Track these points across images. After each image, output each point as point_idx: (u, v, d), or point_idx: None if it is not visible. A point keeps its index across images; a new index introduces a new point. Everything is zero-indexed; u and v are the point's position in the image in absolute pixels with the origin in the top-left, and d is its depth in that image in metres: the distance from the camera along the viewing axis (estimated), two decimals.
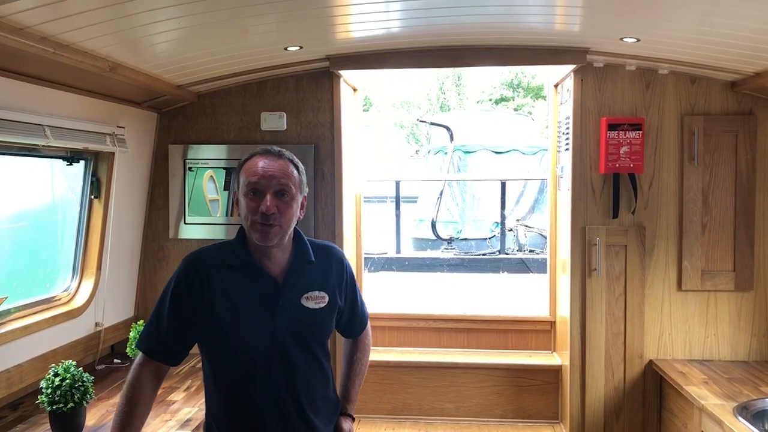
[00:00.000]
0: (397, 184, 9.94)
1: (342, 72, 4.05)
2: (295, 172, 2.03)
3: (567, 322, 4.10)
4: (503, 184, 9.55)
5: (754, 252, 3.90)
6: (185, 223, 4.16)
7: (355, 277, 2.29)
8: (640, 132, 3.85)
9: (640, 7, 2.90)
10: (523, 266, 9.04)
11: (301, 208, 2.05)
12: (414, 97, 20.08)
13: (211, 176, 4.17)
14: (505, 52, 3.87)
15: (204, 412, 3.02)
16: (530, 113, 16.92)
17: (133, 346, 3.38)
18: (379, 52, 3.87)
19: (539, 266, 8.34)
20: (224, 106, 4.15)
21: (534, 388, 4.47)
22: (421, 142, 18.96)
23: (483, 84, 19.90)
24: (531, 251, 9.70)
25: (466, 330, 4.73)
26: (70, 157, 3.36)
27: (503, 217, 9.65)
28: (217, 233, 4.15)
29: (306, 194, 2.09)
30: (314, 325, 2.08)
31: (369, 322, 2.38)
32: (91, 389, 2.73)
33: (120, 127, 3.56)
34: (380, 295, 6.07)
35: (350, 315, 2.24)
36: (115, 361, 3.77)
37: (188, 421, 2.92)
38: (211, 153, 4.14)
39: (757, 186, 3.88)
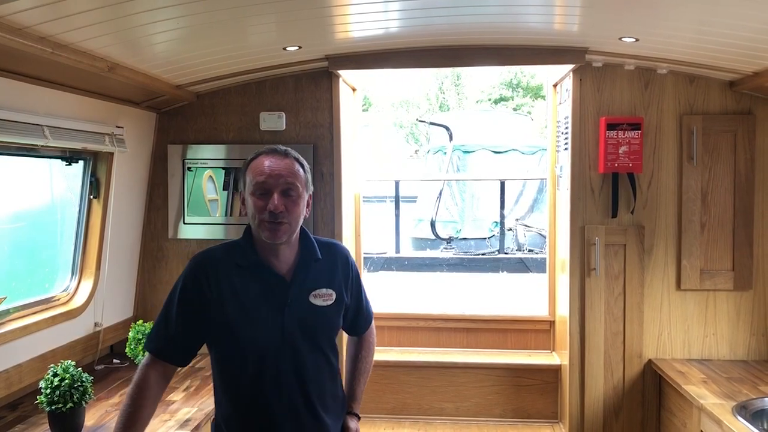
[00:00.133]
0: (397, 183, 9.94)
1: (341, 72, 4.05)
2: (301, 170, 2.05)
3: (566, 321, 4.10)
4: (502, 184, 9.55)
5: (752, 251, 3.90)
6: (184, 223, 4.16)
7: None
8: (639, 131, 3.85)
9: (638, 6, 2.90)
10: (522, 266, 9.04)
11: (306, 206, 2.07)
12: (413, 97, 20.07)
13: (210, 176, 4.17)
14: (504, 52, 3.87)
15: (203, 412, 3.04)
16: (529, 113, 16.92)
17: (132, 346, 3.38)
18: (378, 51, 3.87)
19: (538, 266, 8.34)
20: (223, 106, 4.15)
21: (533, 388, 4.47)
22: (420, 141, 18.95)
23: (482, 84, 19.90)
24: (530, 251, 9.70)
25: (466, 330, 4.73)
26: (69, 157, 3.35)
27: (502, 216, 9.66)
28: (216, 233, 4.15)
29: (311, 192, 2.10)
30: (323, 323, 2.09)
31: (373, 321, 2.39)
32: (90, 389, 2.73)
33: (119, 127, 3.56)
34: (380, 294, 6.07)
35: (355, 312, 2.25)
36: (115, 361, 3.77)
37: (187, 421, 2.92)
38: (210, 153, 4.14)
39: (756, 185, 3.88)
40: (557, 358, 4.50)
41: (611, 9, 3.05)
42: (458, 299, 6.47)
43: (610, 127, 3.85)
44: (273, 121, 4.11)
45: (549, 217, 4.60)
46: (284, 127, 4.11)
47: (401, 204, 9.85)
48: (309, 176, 2.08)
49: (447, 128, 11.24)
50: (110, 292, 3.70)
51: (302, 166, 2.06)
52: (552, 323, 4.63)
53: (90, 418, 2.88)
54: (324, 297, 2.08)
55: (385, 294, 6.43)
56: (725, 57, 3.43)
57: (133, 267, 4.12)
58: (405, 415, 4.53)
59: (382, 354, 4.59)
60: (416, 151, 17.92)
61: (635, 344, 4.00)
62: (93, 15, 2.44)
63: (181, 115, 4.15)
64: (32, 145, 2.97)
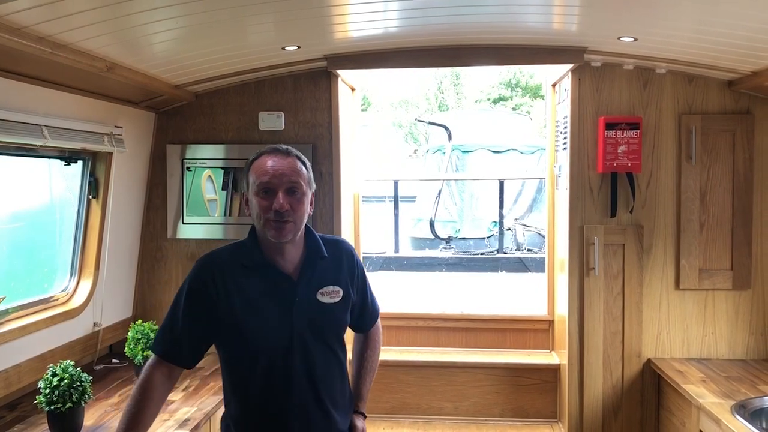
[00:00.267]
0: (396, 183, 9.94)
1: (340, 72, 4.05)
2: (304, 169, 2.06)
3: (565, 321, 4.10)
4: (501, 184, 9.56)
5: (751, 251, 3.90)
6: (183, 223, 4.16)
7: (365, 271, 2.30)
8: (638, 131, 3.85)
9: (637, 6, 2.90)
10: (521, 265, 9.05)
11: (310, 204, 2.08)
12: (412, 97, 20.07)
13: (210, 176, 4.17)
14: (503, 52, 3.88)
15: (202, 411, 3.04)
16: (528, 113, 16.93)
17: (131, 346, 3.37)
18: (377, 51, 3.87)
19: (537, 265, 8.35)
20: (222, 105, 4.14)
21: (532, 387, 4.47)
22: (419, 141, 18.95)
23: (481, 83, 19.90)
24: (529, 250, 9.72)
25: (465, 329, 4.73)
26: (68, 157, 3.35)
27: (501, 216, 9.67)
28: (215, 233, 4.15)
29: (314, 190, 2.11)
30: (331, 320, 2.11)
31: (380, 318, 2.39)
32: (89, 389, 2.73)
33: (118, 127, 3.56)
34: (379, 294, 6.06)
35: (361, 308, 2.26)
36: (114, 361, 3.77)
37: (186, 420, 2.92)
38: (209, 153, 4.14)
39: (755, 185, 3.88)
40: (556, 357, 4.50)
41: (610, 8, 3.05)
42: (457, 299, 6.47)
43: (609, 126, 3.86)
44: (272, 121, 4.11)
45: (548, 217, 4.61)
46: (283, 127, 4.11)
47: (400, 204, 9.86)
48: (311, 174, 2.09)
49: (446, 128, 11.24)
50: (109, 292, 3.70)
51: (304, 164, 2.07)
52: (551, 323, 4.63)
53: (89, 418, 2.88)
54: (331, 294, 2.09)
55: (384, 294, 6.41)
56: (724, 56, 3.43)
57: (132, 267, 4.12)
58: (404, 415, 4.53)
59: (381, 353, 4.58)
60: (415, 150, 17.91)
61: (634, 344, 4.00)
62: (92, 15, 2.44)
63: (180, 115, 4.15)
64: (31, 145, 2.97)
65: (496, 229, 9.99)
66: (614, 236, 3.97)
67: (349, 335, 2.31)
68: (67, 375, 2.67)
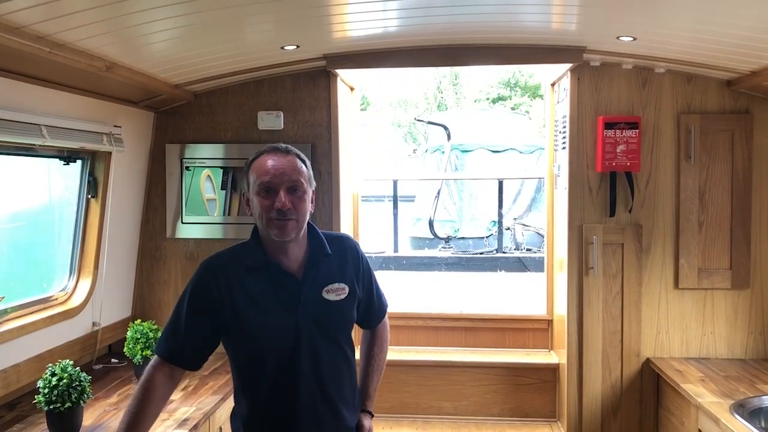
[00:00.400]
0: (395, 183, 9.94)
1: (339, 71, 4.05)
2: (304, 167, 2.06)
3: (564, 320, 4.10)
4: (500, 183, 9.57)
5: (750, 250, 3.90)
6: (182, 223, 4.16)
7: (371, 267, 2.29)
8: (637, 131, 3.85)
9: (636, 6, 2.90)
10: (520, 265, 9.06)
11: (311, 202, 2.08)
12: (411, 97, 20.07)
13: (209, 175, 4.16)
14: (502, 51, 3.87)
15: (201, 411, 3.05)
16: (527, 112, 16.94)
17: (130, 346, 3.37)
18: (377, 51, 3.87)
19: (536, 265, 8.36)
20: (221, 105, 4.14)
21: (531, 387, 4.47)
22: (418, 141, 18.97)
23: (480, 83, 19.91)
24: (528, 250, 9.72)
25: (464, 329, 4.73)
26: (67, 156, 3.35)
27: (500, 215, 9.67)
28: (214, 233, 4.15)
29: (314, 188, 2.11)
30: (337, 317, 2.11)
31: (387, 315, 2.39)
32: (88, 389, 2.73)
33: (117, 126, 3.56)
34: None
35: (367, 304, 2.25)
36: (113, 360, 3.76)
37: (186, 420, 2.92)
38: (208, 152, 4.14)
39: (754, 184, 3.89)
40: (555, 357, 4.50)
41: (609, 8, 3.05)
42: (456, 298, 6.47)
43: (608, 126, 3.86)
44: (271, 121, 4.11)
45: (547, 216, 4.61)
46: (282, 127, 4.11)
47: (399, 203, 9.85)
48: (311, 172, 2.09)
49: (445, 127, 11.25)
50: (108, 291, 3.70)
51: (304, 162, 2.08)
52: (550, 322, 4.63)
53: (88, 418, 2.88)
54: (337, 291, 2.09)
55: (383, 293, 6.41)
56: (723, 56, 3.43)
57: (131, 266, 4.12)
58: (403, 414, 4.53)
59: None
60: (414, 150, 17.93)
61: (633, 343, 4.00)
62: (90, 14, 2.44)
63: (179, 115, 4.15)
64: (30, 144, 2.97)
65: (495, 228, 9.99)
66: (613, 236, 3.98)
67: (357, 332, 2.32)
68: (66, 375, 2.67)
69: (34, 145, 2.98)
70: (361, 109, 6.07)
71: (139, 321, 3.48)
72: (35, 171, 3.39)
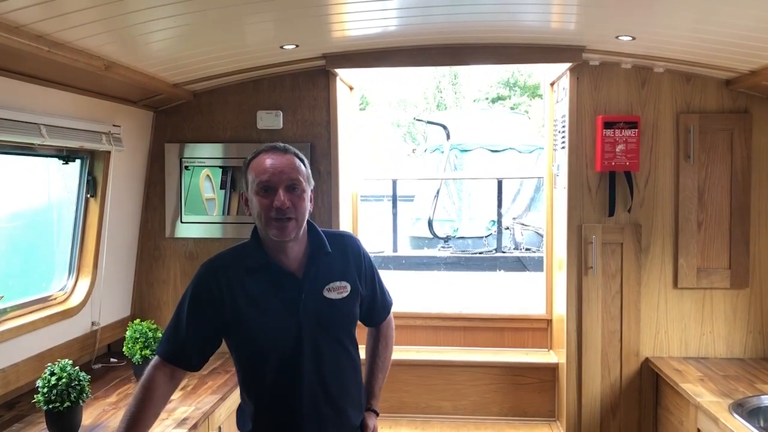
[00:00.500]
0: (394, 182, 9.94)
1: (338, 70, 4.05)
2: (302, 166, 2.06)
3: (563, 320, 4.10)
4: (500, 183, 9.57)
5: (749, 250, 3.91)
6: (182, 222, 4.15)
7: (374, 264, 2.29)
8: (636, 130, 3.85)
9: (635, 5, 2.90)
10: (519, 264, 9.07)
11: (310, 201, 2.08)
12: (410, 96, 20.08)
13: (208, 175, 4.16)
14: (501, 51, 3.88)
15: (200, 411, 3.05)
16: (526, 112, 16.94)
17: (129, 345, 3.37)
18: (376, 50, 3.86)
19: (535, 264, 8.36)
20: (220, 104, 4.14)
21: (530, 386, 4.47)
22: (417, 140, 18.97)
23: (479, 83, 19.91)
24: (527, 249, 9.72)
25: (463, 328, 4.73)
26: (66, 156, 3.35)
27: (500, 215, 9.68)
28: (213, 232, 4.15)
29: (313, 187, 2.10)
30: (339, 316, 2.10)
31: (392, 313, 2.38)
32: (87, 388, 2.73)
33: (116, 125, 3.55)
34: None
35: (371, 302, 2.25)
36: (112, 360, 3.76)
37: (185, 420, 2.92)
38: (207, 152, 4.13)
39: (753, 184, 3.89)
40: (554, 356, 4.50)
41: (608, 7, 3.05)
42: (456, 298, 6.48)
43: (607, 125, 3.86)
44: (270, 120, 4.10)
45: (546, 216, 4.61)
46: (281, 126, 4.10)
47: (399, 203, 9.86)
48: (309, 171, 2.09)
49: (444, 127, 11.24)
50: (107, 291, 3.70)
51: (302, 161, 2.07)
52: (549, 322, 4.64)
53: (87, 417, 2.88)
54: (338, 290, 2.09)
55: None
56: (722, 55, 3.43)
57: (131, 266, 4.12)
58: (403, 414, 4.53)
59: None
60: (413, 150, 17.94)
61: (632, 342, 4.00)
62: (89, 13, 2.44)
63: (178, 114, 4.15)
64: (29, 143, 2.96)
65: (495, 228, 10.00)
66: (612, 235, 3.98)
67: (363, 331, 2.32)
68: (65, 374, 2.67)
69: (33, 144, 2.98)
70: (361, 109, 6.07)
71: (138, 320, 3.48)
72: (34, 170, 3.38)
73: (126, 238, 4.00)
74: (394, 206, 9.67)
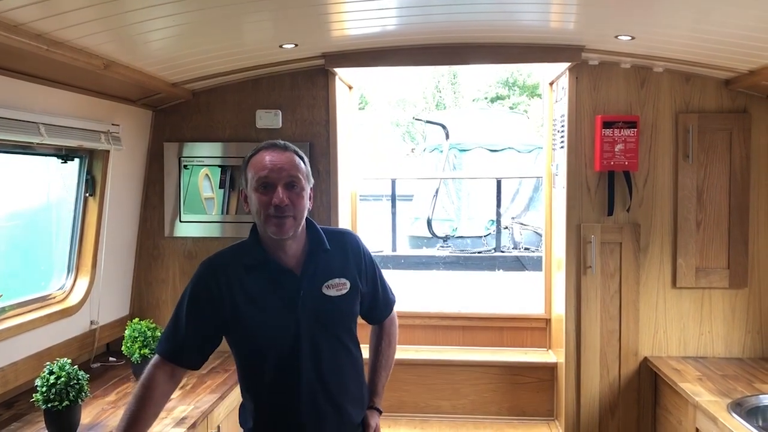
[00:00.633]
0: (393, 182, 9.95)
1: (337, 70, 4.05)
2: (302, 163, 2.06)
3: (562, 319, 4.11)
4: (499, 182, 9.59)
5: (748, 249, 3.91)
6: (180, 221, 4.15)
7: (375, 261, 2.28)
8: (635, 130, 3.85)
9: (635, 5, 2.90)
10: (518, 264, 9.07)
11: (309, 199, 2.07)
12: (410, 96, 20.09)
13: (207, 174, 4.16)
14: (501, 50, 3.87)
15: (199, 410, 3.05)
16: (525, 111, 16.95)
17: (128, 345, 3.37)
18: (375, 49, 3.86)
19: (534, 264, 8.36)
20: (219, 103, 4.14)
21: (529, 386, 4.48)
22: (416, 140, 18.98)
23: (478, 82, 19.93)
24: (526, 249, 9.73)
25: (462, 327, 4.73)
26: (65, 155, 3.35)
27: (498, 214, 9.69)
28: (212, 231, 4.14)
29: (312, 185, 2.10)
30: (338, 313, 2.10)
31: (395, 310, 2.38)
32: (86, 387, 2.73)
33: (115, 124, 3.55)
34: None
35: (372, 299, 2.25)
36: (111, 359, 3.76)
37: (183, 419, 2.93)
38: (206, 151, 4.13)
39: (751, 183, 3.89)
40: (553, 355, 4.50)
41: (608, 7, 3.05)
42: (455, 297, 6.48)
43: (606, 125, 3.86)
44: (269, 119, 4.10)
45: (545, 215, 4.61)
46: (280, 125, 4.10)
47: (398, 202, 9.87)
48: (309, 169, 2.09)
49: (443, 126, 11.25)
50: (106, 290, 3.70)
51: (302, 159, 2.07)
52: (548, 321, 4.64)
53: (86, 416, 2.88)
54: (337, 287, 2.08)
55: None
56: (721, 55, 3.44)
57: (129, 265, 4.11)
58: (401, 413, 4.53)
59: None
60: (413, 149, 17.95)
61: (631, 342, 4.00)
62: (89, 12, 2.44)
63: (177, 113, 4.14)
64: (28, 142, 2.96)
65: (494, 227, 10.00)
66: (611, 235, 3.98)
67: (366, 328, 2.32)
68: (64, 373, 2.67)
69: (32, 143, 2.97)
70: (360, 108, 6.08)
71: (137, 320, 3.48)
72: (33, 169, 3.38)
73: (125, 237, 4.00)
74: (393, 206, 9.68)
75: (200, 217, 4.15)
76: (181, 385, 3.33)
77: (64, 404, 2.63)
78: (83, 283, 3.54)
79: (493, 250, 9.68)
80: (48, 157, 3.30)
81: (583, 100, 3.96)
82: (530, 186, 10.72)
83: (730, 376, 3.57)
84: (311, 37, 3.54)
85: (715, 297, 3.96)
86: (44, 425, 2.70)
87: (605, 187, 3.95)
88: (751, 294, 3.94)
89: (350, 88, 4.58)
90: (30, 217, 3.50)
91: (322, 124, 4.10)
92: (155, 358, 2.08)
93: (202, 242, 4.14)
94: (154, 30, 2.89)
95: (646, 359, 3.99)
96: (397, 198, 9.84)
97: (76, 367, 2.75)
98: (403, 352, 4.60)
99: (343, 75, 4.25)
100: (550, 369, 4.44)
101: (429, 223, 10.50)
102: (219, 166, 4.14)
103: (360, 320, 2.25)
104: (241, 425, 2.18)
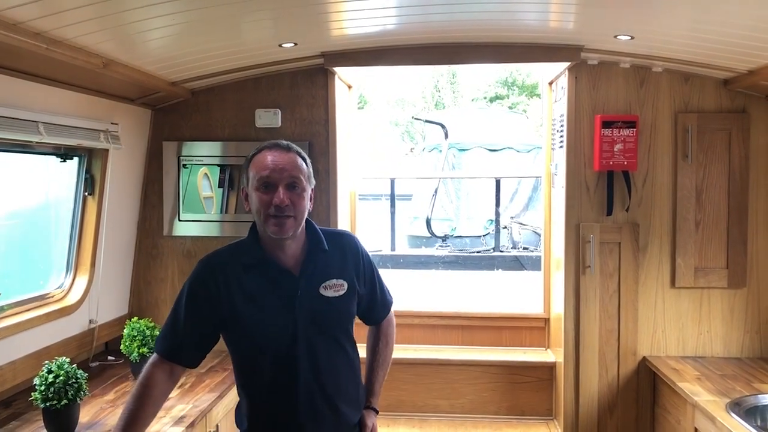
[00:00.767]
0: (392, 181, 9.94)
1: (337, 69, 4.05)
2: (304, 164, 2.06)
3: (561, 319, 4.11)
4: (498, 182, 9.58)
5: (747, 249, 3.91)
6: (179, 221, 4.15)
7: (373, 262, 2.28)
8: (634, 130, 3.86)
9: (634, 4, 2.90)
10: (517, 263, 9.07)
11: (310, 200, 2.07)
12: (409, 95, 20.08)
13: (206, 173, 4.16)
14: (500, 50, 3.87)
15: (198, 409, 3.05)
16: (525, 111, 16.95)
17: (127, 344, 3.37)
18: (374, 49, 3.86)
19: (533, 263, 8.36)
20: (219, 102, 4.14)
21: (528, 385, 4.48)
22: (416, 139, 18.98)
23: (478, 82, 19.92)
24: (525, 248, 9.73)
25: (461, 327, 4.74)
26: (64, 153, 3.34)
27: (497, 214, 9.68)
28: (211, 230, 4.14)
29: (314, 186, 2.10)
30: (335, 314, 2.10)
31: (393, 311, 2.39)
32: (84, 386, 2.73)
33: (114, 123, 3.55)
34: None
35: (369, 300, 2.25)
36: (109, 358, 3.76)
37: (182, 418, 2.92)
38: (205, 150, 4.13)
39: (750, 183, 3.89)
40: (552, 355, 4.51)
41: (607, 7, 3.05)
42: (453, 297, 6.48)
43: (606, 125, 3.86)
44: (269, 118, 4.10)
45: (544, 215, 4.61)
46: (280, 124, 4.10)
47: (397, 202, 9.86)
48: (311, 170, 2.09)
49: (443, 126, 11.24)
50: (105, 289, 3.70)
51: (304, 160, 2.07)
52: (547, 320, 4.64)
53: (85, 415, 2.88)
54: (335, 288, 2.08)
55: None
56: (720, 55, 3.44)
57: (128, 264, 4.11)
58: (400, 412, 4.53)
59: None
60: (412, 149, 17.95)
61: (630, 342, 4.01)
62: (88, 11, 2.43)
63: (176, 112, 4.14)
64: (27, 141, 2.96)
65: (493, 227, 10.00)
66: (610, 234, 3.98)
67: (363, 329, 2.32)
68: (62, 372, 2.66)
69: (31, 142, 2.97)
70: (359, 108, 6.07)
71: (135, 318, 3.47)
72: (32, 168, 3.38)
73: (124, 236, 4.00)
74: (392, 205, 9.67)
75: (199, 216, 4.15)
76: (179, 384, 3.33)
77: (62, 403, 2.63)
78: (82, 281, 3.54)
79: (492, 250, 9.68)
80: (47, 156, 3.30)
81: (583, 99, 3.96)
82: (529, 186, 10.72)
83: (728, 376, 3.57)
84: (310, 37, 3.54)
85: (714, 297, 3.96)
86: (43, 424, 2.70)
87: (604, 187, 3.96)
88: (750, 294, 3.94)
89: (349, 87, 4.58)
90: (29, 215, 3.50)
91: (322, 123, 4.10)
92: (153, 356, 2.08)
93: (201, 241, 4.14)
94: (154, 29, 2.89)
95: (644, 359, 3.99)
96: (396, 197, 9.84)
97: (74, 365, 2.75)
98: (401, 352, 4.62)
99: (343, 74, 4.25)
100: (549, 368, 4.44)
101: (428, 222, 10.50)
102: (218, 165, 4.14)
103: (357, 320, 2.26)
104: (237, 426, 2.18)
